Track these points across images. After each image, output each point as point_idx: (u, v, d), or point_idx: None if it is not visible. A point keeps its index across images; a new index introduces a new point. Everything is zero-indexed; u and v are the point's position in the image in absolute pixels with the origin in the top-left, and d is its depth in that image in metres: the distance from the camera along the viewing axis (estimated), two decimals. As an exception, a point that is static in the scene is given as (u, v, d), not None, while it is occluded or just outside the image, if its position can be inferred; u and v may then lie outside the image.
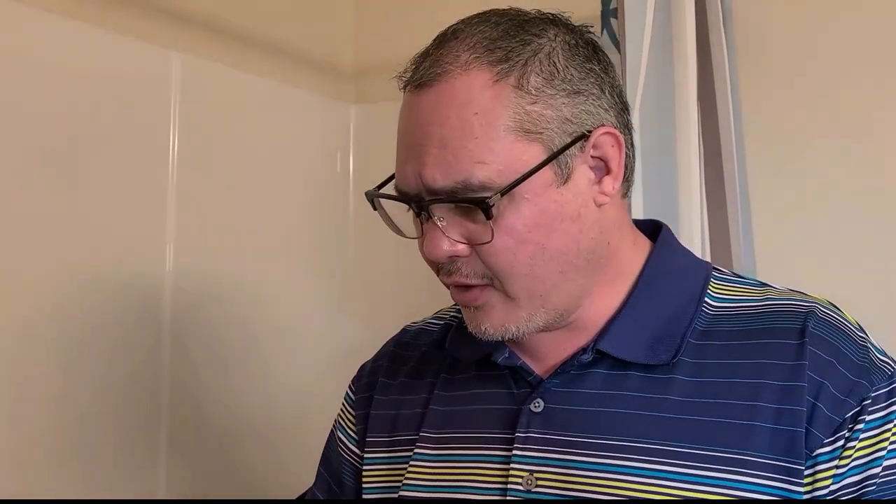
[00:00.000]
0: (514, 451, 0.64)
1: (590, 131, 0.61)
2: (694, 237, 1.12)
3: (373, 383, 0.78)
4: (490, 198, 0.58)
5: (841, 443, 0.58)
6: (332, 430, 0.82)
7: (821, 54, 1.23)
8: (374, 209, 0.66)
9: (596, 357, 0.65)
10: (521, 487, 0.63)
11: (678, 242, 0.72)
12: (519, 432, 0.65)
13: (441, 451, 0.69)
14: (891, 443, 0.58)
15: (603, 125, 0.62)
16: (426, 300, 1.44)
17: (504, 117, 0.60)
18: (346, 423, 0.79)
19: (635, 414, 0.62)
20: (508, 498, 0.63)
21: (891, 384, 0.60)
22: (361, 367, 0.82)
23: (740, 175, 1.23)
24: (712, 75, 1.18)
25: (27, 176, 1.00)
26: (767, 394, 0.60)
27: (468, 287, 0.63)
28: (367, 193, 0.67)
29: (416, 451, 0.70)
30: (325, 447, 0.82)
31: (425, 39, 1.60)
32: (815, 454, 0.58)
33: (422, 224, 0.63)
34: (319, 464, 0.83)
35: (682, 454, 0.60)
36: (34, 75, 1.00)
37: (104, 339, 1.07)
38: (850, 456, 0.58)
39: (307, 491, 0.83)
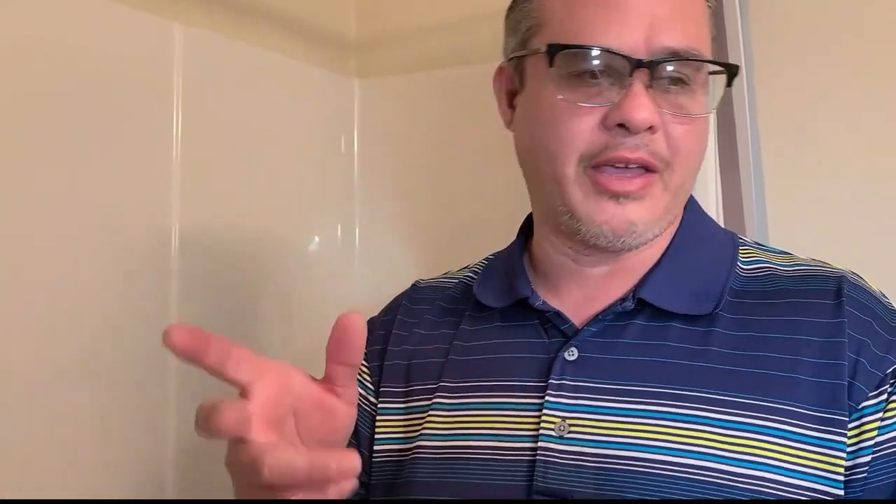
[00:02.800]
0: (547, 398, 0.64)
1: None
2: (709, 207, 1.12)
3: (386, 336, 0.78)
4: (735, 66, 0.64)
5: (884, 396, 0.60)
6: None
7: (836, 22, 1.22)
8: (551, 66, 0.63)
9: (636, 307, 0.65)
10: (553, 433, 0.63)
11: (703, 210, 0.74)
12: (552, 379, 0.65)
13: (464, 400, 0.69)
14: None
15: None
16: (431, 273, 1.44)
17: (704, 13, 0.67)
18: (360, 374, 0.77)
19: (676, 363, 0.63)
20: (540, 444, 0.63)
21: None
22: (370, 321, 0.81)
23: (753, 145, 1.22)
24: (725, 43, 1.17)
25: (25, 154, 0.96)
26: (807, 349, 0.61)
27: (636, 175, 0.63)
28: (553, 46, 0.63)
29: (435, 400, 0.70)
30: None
31: (428, 10, 1.59)
32: (860, 406, 0.60)
33: (626, 89, 0.61)
34: None
35: (725, 402, 0.61)
36: (27, 49, 0.96)
37: (111, 320, 1.04)
38: (893, 409, 0.60)
39: None
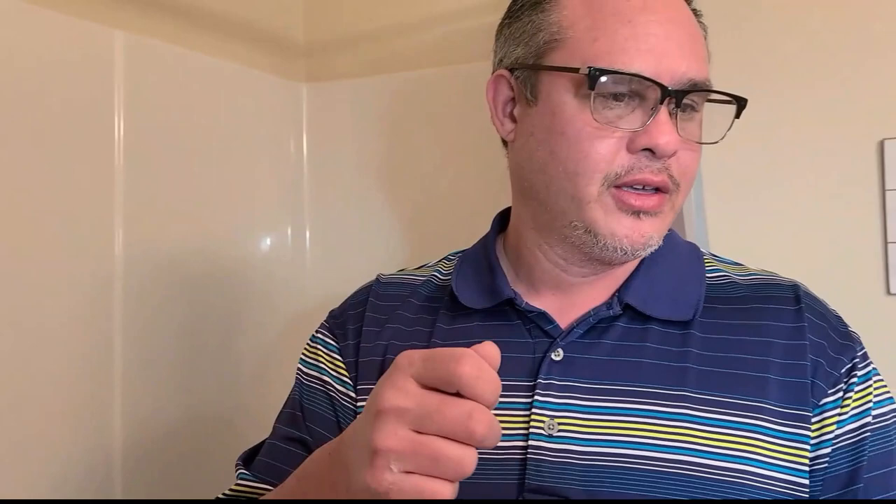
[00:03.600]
0: (536, 397, 0.66)
1: None
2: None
3: (358, 331, 0.78)
4: (744, 100, 0.69)
5: (840, 393, 0.65)
6: (305, 384, 0.81)
7: (772, 29, 1.25)
8: (591, 88, 0.64)
9: (620, 311, 0.69)
10: (543, 432, 0.66)
11: None
12: (540, 379, 0.67)
13: None
14: (875, 395, 0.67)
15: None
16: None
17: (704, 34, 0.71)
18: (334, 370, 0.78)
19: (657, 364, 0.66)
20: (530, 443, 0.65)
21: (863, 348, 0.69)
22: (333, 315, 0.82)
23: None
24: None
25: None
26: (775, 350, 0.66)
27: (653, 192, 0.66)
28: (595, 70, 0.63)
29: None
30: (299, 404, 0.80)
31: (376, 15, 1.59)
32: (821, 403, 0.65)
33: (654, 115, 0.64)
34: (293, 416, 0.80)
35: (704, 400, 0.64)
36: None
37: (52, 326, 1.03)
38: (848, 405, 0.65)
39: (267, 448, 0.81)
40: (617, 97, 0.64)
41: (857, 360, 0.68)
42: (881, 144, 1.18)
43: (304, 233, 1.47)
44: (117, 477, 1.11)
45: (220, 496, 0.81)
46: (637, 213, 0.65)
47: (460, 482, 0.65)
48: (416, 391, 0.49)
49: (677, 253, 0.75)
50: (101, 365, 1.09)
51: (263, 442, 0.84)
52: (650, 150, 0.64)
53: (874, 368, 0.69)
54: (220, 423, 1.28)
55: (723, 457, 0.63)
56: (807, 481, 0.63)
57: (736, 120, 0.71)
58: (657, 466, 0.63)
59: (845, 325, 0.71)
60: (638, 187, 0.65)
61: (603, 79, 0.63)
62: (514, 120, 0.73)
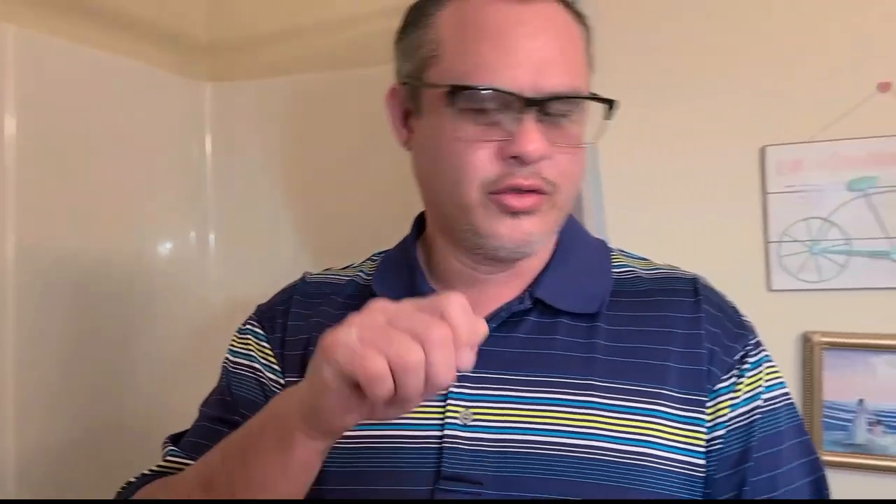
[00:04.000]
0: (451, 389, 0.69)
1: None
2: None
3: (284, 325, 0.80)
4: (613, 101, 0.70)
5: (734, 379, 0.70)
6: (234, 371, 0.81)
7: (665, 46, 1.32)
8: (450, 105, 0.68)
9: (530, 306, 0.72)
10: (458, 421, 0.68)
11: (577, 219, 0.83)
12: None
13: None
14: (765, 381, 0.71)
15: None
16: (287, 281, 1.44)
17: (583, 48, 0.72)
18: (264, 358, 0.80)
19: (566, 355, 0.70)
20: (446, 432, 0.68)
21: (756, 337, 0.74)
22: (261, 309, 0.84)
23: (592, 155, 1.30)
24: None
25: None
26: (675, 340, 0.70)
27: (528, 193, 0.68)
28: (455, 87, 0.67)
29: None
30: (228, 389, 0.81)
31: (278, 16, 1.58)
32: (716, 388, 0.69)
33: (519, 124, 0.67)
34: (220, 400, 0.81)
35: (609, 388, 0.68)
36: None
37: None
38: (740, 390, 0.70)
39: (196, 429, 0.82)
40: (485, 110, 0.67)
41: (750, 347, 0.72)
42: (762, 151, 1.26)
43: (208, 235, 1.44)
44: (10, 486, 1.07)
45: (147, 472, 0.81)
46: (515, 213, 0.69)
47: (378, 472, 0.68)
48: (406, 305, 0.54)
49: (586, 249, 0.79)
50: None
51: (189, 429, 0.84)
52: (519, 157, 0.67)
53: (766, 355, 0.74)
54: (122, 431, 1.24)
55: (626, 441, 0.67)
56: (703, 461, 0.68)
57: (608, 122, 0.74)
58: (565, 451, 0.66)
59: (740, 316, 0.76)
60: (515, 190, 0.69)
61: (463, 95, 0.67)
62: (410, 130, 0.77)
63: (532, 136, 0.66)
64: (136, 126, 1.29)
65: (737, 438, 0.69)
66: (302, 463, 0.59)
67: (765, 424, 0.70)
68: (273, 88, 1.41)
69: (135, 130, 1.29)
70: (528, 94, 0.66)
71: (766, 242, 1.26)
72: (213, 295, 1.43)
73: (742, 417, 0.69)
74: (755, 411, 0.70)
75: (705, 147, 1.29)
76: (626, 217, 1.33)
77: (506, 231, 0.69)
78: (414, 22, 0.73)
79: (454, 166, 0.69)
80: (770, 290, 1.26)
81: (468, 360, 0.53)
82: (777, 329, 1.25)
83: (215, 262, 1.44)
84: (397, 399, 0.52)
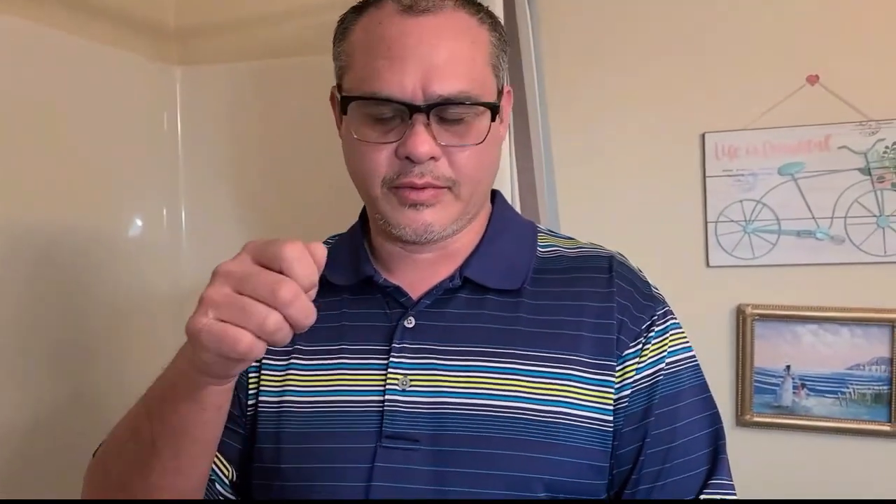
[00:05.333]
0: (391, 359, 0.78)
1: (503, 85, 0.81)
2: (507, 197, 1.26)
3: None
4: (496, 104, 0.76)
5: (640, 346, 0.78)
6: None
7: (611, 37, 1.40)
8: (344, 114, 0.77)
9: (461, 284, 0.80)
10: (398, 387, 0.77)
11: (509, 204, 0.91)
12: (395, 343, 0.78)
13: (319, 361, 0.81)
14: (669, 346, 0.80)
15: (506, 83, 0.82)
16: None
17: (485, 52, 0.77)
18: None
19: (493, 328, 0.78)
20: (387, 397, 0.77)
21: (665, 307, 0.82)
22: None
23: (545, 142, 1.39)
24: (520, 62, 1.31)
25: None
26: (588, 312, 0.79)
27: (425, 188, 0.75)
28: (345, 97, 0.76)
29: (292, 361, 0.82)
30: None
31: (247, 0, 1.60)
32: (624, 354, 0.78)
33: (409, 128, 0.73)
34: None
35: (530, 356, 0.77)
36: None
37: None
38: (646, 355, 0.78)
39: None
40: (382, 116, 0.74)
41: (657, 317, 0.80)
42: (702, 137, 1.36)
43: (180, 214, 1.49)
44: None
45: None
46: (415, 205, 0.76)
47: (328, 433, 0.77)
48: (246, 262, 0.59)
49: (514, 231, 0.86)
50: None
51: None
52: (409, 158, 0.74)
53: (674, 323, 0.81)
54: (92, 407, 1.29)
55: (543, 401, 0.75)
56: (611, 418, 0.76)
57: (496, 123, 0.79)
58: (491, 412, 0.74)
59: (650, 289, 0.83)
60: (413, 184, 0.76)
61: (356, 104, 0.75)
62: None
63: (418, 140, 0.73)
64: (107, 108, 1.32)
65: (641, 397, 0.77)
66: (215, 406, 0.66)
67: (667, 384, 0.78)
68: (241, 73, 1.46)
69: (106, 112, 1.32)
70: (417, 100, 0.72)
71: (706, 222, 1.37)
72: (184, 272, 1.48)
73: (646, 379, 0.78)
74: (659, 373, 0.78)
75: (650, 133, 1.39)
76: (576, 198, 1.43)
77: (407, 221, 0.76)
78: (337, 34, 0.81)
79: (360, 165, 0.77)
80: (708, 266, 1.37)
81: (311, 299, 0.59)
82: (714, 302, 1.36)
83: (187, 239, 1.49)
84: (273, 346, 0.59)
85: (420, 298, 0.81)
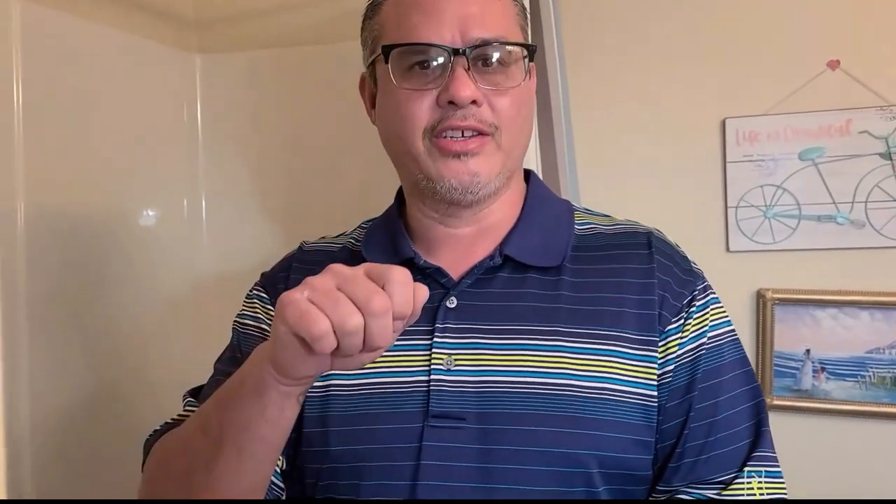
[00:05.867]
0: (435, 339, 0.78)
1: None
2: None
3: (285, 290, 0.86)
4: (533, 46, 0.78)
5: (682, 321, 0.79)
6: (242, 331, 0.90)
7: (632, 23, 1.40)
8: (386, 63, 0.78)
9: (500, 262, 0.81)
10: (442, 367, 0.78)
11: (543, 183, 0.91)
12: (438, 324, 0.79)
13: None
14: (711, 321, 0.80)
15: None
16: (278, 249, 1.50)
17: (513, 12, 0.81)
18: (269, 318, 0.87)
19: (535, 306, 0.79)
20: (432, 377, 0.77)
21: (704, 282, 0.83)
22: (265, 275, 0.93)
23: (567, 123, 1.39)
24: (542, 36, 1.32)
25: None
26: (630, 289, 0.79)
27: (470, 138, 0.76)
28: (385, 47, 0.78)
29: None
30: (238, 347, 0.89)
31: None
32: (666, 329, 0.78)
33: (449, 73, 0.75)
34: (231, 357, 0.89)
35: (572, 333, 0.77)
36: None
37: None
38: (688, 330, 0.79)
39: (212, 383, 0.89)
40: (421, 65, 0.76)
41: (697, 292, 0.80)
42: (723, 123, 1.37)
43: (200, 203, 1.49)
44: (26, 445, 1.12)
45: (169, 421, 0.88)
46: (458, 155, 0.76)
47: (376, 414, 0.78)
48: (358, 271, 0.61)
49: (551, 209, 0.87)
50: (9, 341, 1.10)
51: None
52: (452, 102, 0.75)
53: (714, 297, 0.82)
54: (112, 398, 1.30)
55: (588, 377, 0.75)
56: (655, 393, 0.76)
57: (531, 63, 0.82)
58: (536, 389, 0.75)
59: (689, 264, 0.84)
60: (456, 134, 0.76)
61: (396, 54, 0.76)
62: (375, 109, 0.87)
63: (461, 82, 0.74)
64: (127, 96, 1.32)
65: (684, 372, 0.78)
66: (277, 406, 0.67)
67: (709, 358, 0.79)
68: (261, 61, 1.46)
69: (126, 101, 1.32)
70: (456, 44, 0.75)
71: (726, 207, 1.38)
72: (205, 260, 1.49)
73: (688, 354, 0.78)
74: (701, 347, 0.79)
75: (671, 119, 1.40)
76: (597, 183, 1.43)
77: (452, 172, 0.76)
78: (367, 15, 0.83)
79: (401, 118, 0.77)
80: (728, 251, 1.38)
81: (397, 329, 0.61)
82: (734, 286, 1.37)
83: (207, 228, 1.50)
84: (339, 355, 0.61)
85: (461, 278, 0.81)
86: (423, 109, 0.76)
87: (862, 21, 1.30)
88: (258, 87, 1.46)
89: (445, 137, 0.76)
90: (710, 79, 1.37)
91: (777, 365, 1.36)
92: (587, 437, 0.74)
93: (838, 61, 1.31)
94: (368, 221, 0.94)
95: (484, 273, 0.81)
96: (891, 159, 1.30)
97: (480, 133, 0.76)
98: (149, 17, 1.40)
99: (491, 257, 0.81)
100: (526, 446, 0.74)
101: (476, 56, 0.75)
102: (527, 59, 0.79)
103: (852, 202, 1.31)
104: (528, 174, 0.88)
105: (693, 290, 0.81)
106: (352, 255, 0.89)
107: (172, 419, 0.89)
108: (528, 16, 0.84)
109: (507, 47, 0.77)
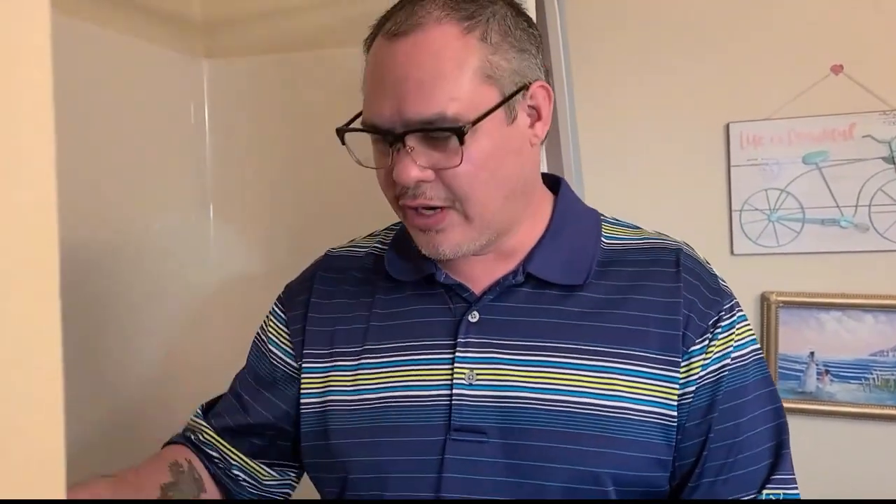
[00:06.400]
0: (457, 353, 0.78)
1: (530, 83, 0.75)
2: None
3: (306, 302, 0.89)
4: (464, 126, 0.70)
5: (707, 342, 0.77)
6: (256, 346, 0.92)
7: (635, 29, 1.41)
8: (342, 144, 0.77)
9: (523, 280, 0.80)
10: (464, 381, 0.78)
11: (572, 192, 0.89)
12: (460, 338, 0.79)
13: (388, 358, 0.82)
14: (735, 341, 0.79)
15: (539, 80, 0.76)
16: (286, 254, 1.51)
17: (471, 63, 0.71)
18: (279, 339, 0.89)
19: (556, 322, 0.78)
20: (454, 391, 0.77)
21: (732, 301, 0.81)
22: (288, 286, 0.93)
23: (573, 135, 1.40)
24: (548, 51, 1.32)
25: None
26: (654, 307, 0.78)
27: (431, 212, 0.74)
28: (338, 130, 0.77)
29: (363, 360, 0.82)
30: (250, 364, 0.92)
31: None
32: (690, 350, 0.77)
33: (392, 154, 0.72)
34: (245, 375, 0.92)
35: (593, 351, 0.77)
36: None
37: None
38: (712, 351, 0.77)
39: (223, 397, 0.93)
40: (377, 141, 0.75)
41: (723, 312, 0.79)
42: (727, 127, 1.37)
43: (208, 208, 1.50)
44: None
45: (178, 434, 0.92)
46: (424, 230, 0.76)
47: (398, 426, 0.79)
48: None
49: (579, 223, 0.85)
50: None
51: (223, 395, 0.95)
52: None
53: (741, 316, 0.80)
54: (124, 404, 1.31)
55: (607, 396, 0.75)
56: (675, 413, 0.75)
57: (461, 146, 0.72)
58: (555, 406, 0.75)
59: (717, 282, 0.82)
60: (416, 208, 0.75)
61: (346, 135, 0.77)
62: None
63: (401, 167, 0.72)
64: (134, 101, 1.33)
65: (705, 392, 0.77)
66: None
67: (732, 379, 0.78)
68: (268, 65, 1.46)
69: (134, 105, 1.33)
70: (395, 126, 0.71)
71: (730, 211, 1.38)
72: (213, 268, 1.49)
73: (711, 375, 0.77)
74: (724, 368, 0.78)
75: (675, 123, 1.40)
76: (602, 188, 1.44)
77: (422, 243, 0.77)
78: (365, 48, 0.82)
79: (379, 182, 0.78)
80: (733, 254, 1.39)
81: None
82: (738, 290, 1.35)
83: (214, 232, 1.50)
84: None
85: (483, 293, 0.81)
86: (385, 182, 0.76)
87: (865, 26, 1.31)
88: (266, 91, 1.47)
89: (408, 210, 0.75)
90: (713, 83, 1.38)
91: (781, 367, 1.37)
92: (606, 456, 0.74)
93: (842, 66, 1.32)
94: (398, 223, 0.92)
95: (506, 289, 0.81)
96: (894, 163, 1.30)
97: (441, 207, 0.74)
98: (156, 21, 1.40)
99: (514, 274, 0.80)
100: (546, 462, 0.74)
101: (413, 137, 0.71)
102: (494, 117, 0.72)
103: (856, 206, 1.32)
104: (557, 182, 0.87)
105: (720, 310, 0.79)
106: (375, 263, 0.89)
107: (185, 432, 0.92)
108: (532, 42, 0.77)
109: (454, 122, 0.70)
